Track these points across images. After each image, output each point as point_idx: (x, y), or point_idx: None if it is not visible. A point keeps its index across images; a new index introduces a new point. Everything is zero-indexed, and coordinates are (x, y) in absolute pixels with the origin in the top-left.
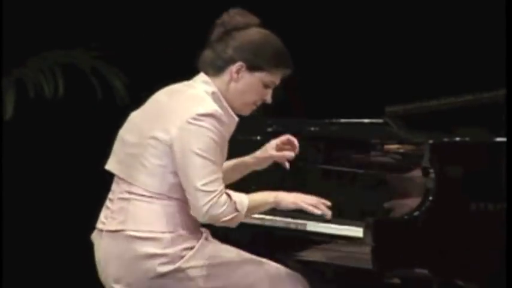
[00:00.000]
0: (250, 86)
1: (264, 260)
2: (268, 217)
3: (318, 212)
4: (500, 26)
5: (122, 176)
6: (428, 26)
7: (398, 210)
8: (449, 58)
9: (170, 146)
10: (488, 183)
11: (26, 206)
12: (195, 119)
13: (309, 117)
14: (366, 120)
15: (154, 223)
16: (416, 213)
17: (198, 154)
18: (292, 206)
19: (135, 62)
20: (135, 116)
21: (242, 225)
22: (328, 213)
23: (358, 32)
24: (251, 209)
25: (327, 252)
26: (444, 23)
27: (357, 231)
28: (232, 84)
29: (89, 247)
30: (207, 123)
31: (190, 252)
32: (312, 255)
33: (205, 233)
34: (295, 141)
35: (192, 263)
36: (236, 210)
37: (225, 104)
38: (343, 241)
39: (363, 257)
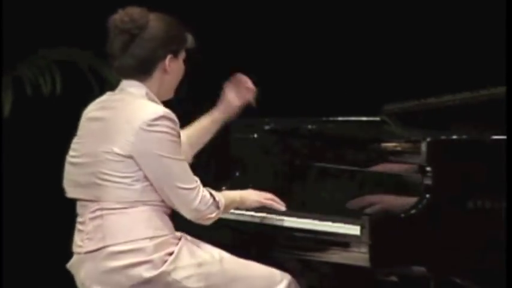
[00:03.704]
0: (180, 69)
1: (247, 261)
2: (270, 216)
3: (279, 207)
4: (499, 24)
5: (88, 198)
6: (425, 24)
7: (395, 208)
8: (446, 56)
9: (131, 157)
10: (486, 181)
11: (25, 203)
12: (149, 125)
13: (306, 115)
14: (364, 118)
15: (132, 231)
16: (413, 211)
17: (166, 157)
18: (256, 204)
19: None
20: (76, 141)
21: (244, 223)
22: (282, 208)
23: (355, 30)
24: (225, 208)
25: (324, 250)
26: (441, 21)
27: (353, 229)
28: (167, 77)
29: None
30: (161, 126)
31: (173, 255)
32: (308, 253)
33: (182, 235)
34: (243, 77)
35: (178, 264)
36: (218, 208)
37: (158, 101)
38: (340, 239)
39: (360, 255)
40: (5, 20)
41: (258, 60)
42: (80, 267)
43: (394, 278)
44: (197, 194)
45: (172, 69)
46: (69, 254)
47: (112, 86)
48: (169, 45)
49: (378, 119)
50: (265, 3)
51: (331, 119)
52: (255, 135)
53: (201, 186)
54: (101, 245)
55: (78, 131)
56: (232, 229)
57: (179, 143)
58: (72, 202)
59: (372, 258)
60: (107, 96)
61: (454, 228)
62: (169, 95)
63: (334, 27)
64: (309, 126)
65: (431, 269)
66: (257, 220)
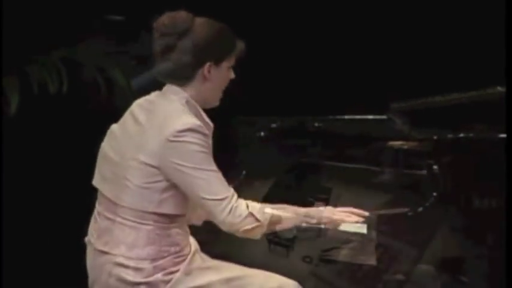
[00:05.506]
0: (222, 77)
1: (254, 270)
2: None
3: (352, 221)
4: (501, 24)
5: (107, 195)
6: (433, 23)
7: (402, 206)
8: (453, 55)
9: (157, 168)
10: (492, 179)
11: (29, 200)
12: (175, 136)
13: (313, 114)
14: (370, 117)
15: (136, 250)
16: (420, 209)
17: (191, 168)
18: (326, 221)
19: (139, 58)
20: (115, 131)
21: None
22: (360, 220)
23: (363, 29)
24: (276, 222)
25: (331, 248)
26: (448, 20)
27: (360, 228)
28: (207, 85)
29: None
30: (188, 137)
31: (177, 274)
32: (316, 252)
33: (194, 246)
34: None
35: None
36: (257, 220)
37: (200, 109)
38: (347, 237)
39: (367, 254)
40: (11, 19)
41: (264, 59)
42: (89, 253)
43: (400, 277)
44: (226, 206)
45: (213, 76)
46: (70, 254)
47: (119, 86)
48: (210, 53)
49: (384, 117)
50: (270, 2)
51: (337, 117)
52: (262, 134)
53: (233, 198)
54: (104, 249)
55: (120, 120)
56: None
57: (207, 153)
58: (76, 202)
59: (378, 257)
60: (153, 96)
61: (460, 226)
62: (213, 102)
63: (342, 26)
64: (316, 125)
65: (438, 267)
66: None
